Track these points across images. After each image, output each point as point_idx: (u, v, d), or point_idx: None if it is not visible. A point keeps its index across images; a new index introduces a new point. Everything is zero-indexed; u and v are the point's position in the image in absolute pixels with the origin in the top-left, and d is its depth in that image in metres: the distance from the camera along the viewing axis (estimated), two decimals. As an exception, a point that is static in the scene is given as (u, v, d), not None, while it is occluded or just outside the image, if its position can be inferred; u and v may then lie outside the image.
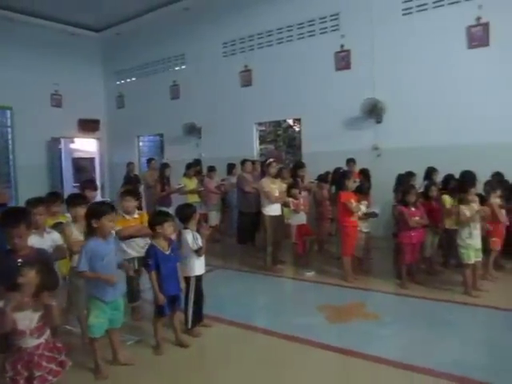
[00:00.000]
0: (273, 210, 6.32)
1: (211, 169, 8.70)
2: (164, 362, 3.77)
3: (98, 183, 13.29)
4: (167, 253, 3.86)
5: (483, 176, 6.05)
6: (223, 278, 6.37)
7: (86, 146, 13.69)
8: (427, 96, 8.05)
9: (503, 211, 5.62)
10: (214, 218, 8.43)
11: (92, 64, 13.64)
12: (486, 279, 5.53)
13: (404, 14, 8.37)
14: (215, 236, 8.40)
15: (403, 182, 6.52)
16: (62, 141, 12.66)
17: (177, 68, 12.10)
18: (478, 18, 7.59)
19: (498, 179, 6.21)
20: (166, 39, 12.04)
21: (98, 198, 11.78)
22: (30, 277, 2.59)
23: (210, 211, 8.39)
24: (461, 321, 4.44)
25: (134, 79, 13.30)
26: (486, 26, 7.54)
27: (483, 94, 7.52)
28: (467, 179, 5.85)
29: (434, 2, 8.06)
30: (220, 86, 10.99)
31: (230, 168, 8.76)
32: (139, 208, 4.88)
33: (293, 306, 5.14)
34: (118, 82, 13.72)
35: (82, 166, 13.34)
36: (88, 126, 13.29)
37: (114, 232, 3.76)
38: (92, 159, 13.86)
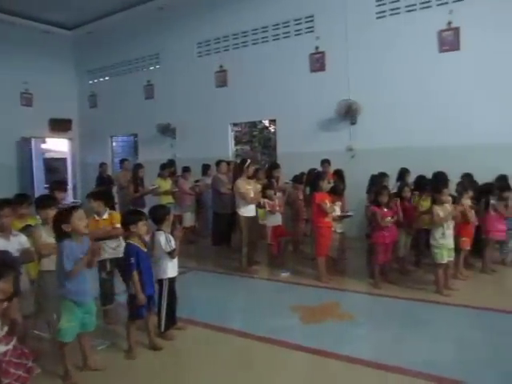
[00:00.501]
0: (248, 211, 6.29)
1: (186, 169, 8.62)
2: (136, 367, 3.69)
3: (70, 184, 13.06)
4: (146, 251, 3.85)
5: (453, 177, 6.20)
6: (198, 279, 6.31)
7: (57, 146, 13.38)
8: (401, 98, 8.18)
9: (473, 212, 5.74)
10: (189, 219, 8.36)
11: (64, 63, 13.35)
12: (457, 278, 5.63)
13: (378, 18, 8.48)
14: (190, 237, 8.33)
15: (376, 182, 6.60)
16: (33, 141, 12.34)
17: (151, 68, 11.96)
18: (449, 23, 7.76)
19: (468, 180, 6.35)
20: (140, 38, 11.88)
21: (70, 199, 11.61)
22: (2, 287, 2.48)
23: (184, 212, 8.31)
24: (433, 320, 4.50)
25: (107, 78, 13.08)
26: (456, 30, 7.71)
27: (454, 98, 7.69)
28: (440, 180, 5.98)
29: (406, 6, 8.20)
30: (195, 87, 10.91)
31: (205, 169, 8.70)
32: (112, 208, 4.78)
33: (267, 307, 5.11)
34: (90, 81, 13.47)
35: (53, 167, 13.03)
36: (60, 126, 13.00)
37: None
38: (64, 160, 13.56)
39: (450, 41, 7.78)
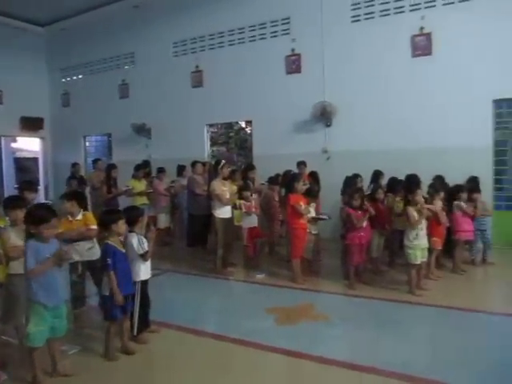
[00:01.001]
0: (224, 212, 6.26)
1: (161, 170, 8.52)
2: (108, 372, 3.60)
3: (42, 184, 12.74)
4: (124, 251, 3.79)
5: (426, 179, 6.32)
6: (172, 281, 6.24)
7: (29, 145, 13.06)
8: (375, 101, 8.29)
9: (444, 213, 5.85)
10: (164, 220, 8.26)
11: (36, 60, 13.01)
12: (429, 278, 5.73)
13: (353, 21, 8.58)
14: (164, 239, 8.24)
15: (350, 184, 6.66)
16: (3, 139, 12.02)
17: (126, 67, 11.79)
18: (422, 28, 7.90)
19: (439, 182, 6.47)
20: (115, 37, 11.70)
21: (41, 199, 11.32)
22: None
23: (159, 213, 8.21)
24: (406, 320, 4.55)
25: (80, 77, 12.82)
26: (428, 35, 7.86)
27: (426, 101, 7.84)
28: (412, 182, 6.08)
29: (380, 11, 8.32)
30: (170, 86, 10.81)
31: (180, 169, 8.62)
32: (85, 209, 4.67)
33: (242, 308, 5.08)
34: (63, 80, 13.18)
35: (24, 166, 12.71)
36: (31, 125, 12.67)
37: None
38: (35, 159, 13.25)
39: (422, 46, 7.93)
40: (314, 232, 6.08)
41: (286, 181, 6.41)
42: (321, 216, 6.14)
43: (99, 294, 3.83)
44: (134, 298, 3.96)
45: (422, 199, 5.31)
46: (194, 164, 7.76)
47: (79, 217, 4.40)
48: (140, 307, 4.01)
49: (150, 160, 10.09)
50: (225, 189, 6.28)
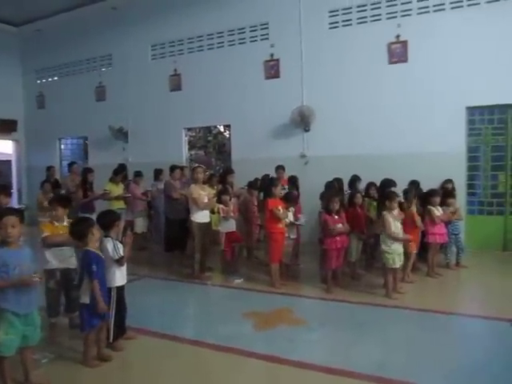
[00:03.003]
0: (201, 216, 6.22)
1: (137, 174, 8.42)
2: (83, 380, 3.52)
3: (15, 188, 12.44)
4: (103, 257, 3.74)
5: (401, 184, 6.43)
6: (149, 287, 6.15)
7: (1, 147, 12.72)
8: (352, 107, 8.39)
9: (419, 217, 5.94)
10: (141, 225, 8.17)
11: (10, 60, 12.72)
12: (405, 281, 5.80)
13: (330, 28, 8.68)
14: (141, 243, 8.15)
15: (330, 188, 6.70)
16: (-26, 142, 11.68)
17: (103, 69, 11.64)
18: (398, 36, 8.04)
19: (415, 187, 6.57)
20: (92, 38, 11.54)
21: (14, 203, 11.03)
22: None
23: (136, 218, 8.11)
24: (383, 323, 4.60)
25: (56, 78, 12.60)
26: (404, 43, 8.01)
27: (402, 107, 7.97)
28: (387, 186, 6.17)
29: (358, 19, 8.44)
30: (148, 90, 10.72)
31: (157, 173, 8.52)
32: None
33: (220, 314, 5.05)
34: (38, 81, 12.93)
35: (-4, 170, 12.39)
36: (4, 127, 12.37)
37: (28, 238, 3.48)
38: (8, 162, 12.94)
39: (398, 53, 8.07)
40: (292, 236, 6.10)
41: (264, 185, 6.41)
42: (297, 222, 6.16)
43: (78, 301, 3.72)
44: (109, 305, 3.88)
45: (396, 205, 5.37)
46: (172, 169, 7.71)
47: (65, 223, 4.25)
48: (116, 313, 3.94)
49: (127, 164, 9.99)
50: (203, 193, 6.25)
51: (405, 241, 5.40)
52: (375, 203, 6.22)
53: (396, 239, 5.24)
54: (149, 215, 8.48)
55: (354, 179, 7.12)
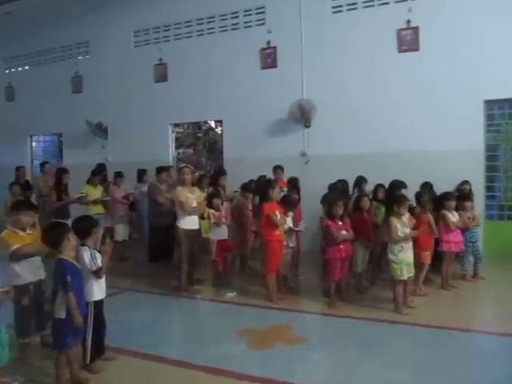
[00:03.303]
0: (189, 222, 6.24)
1: (118, 175, 8.44)
2: (55, 406, 3.53)
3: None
4: (80, 267, 3.75)
5: (413, 185, 6.48)
6: (131, 301, 6.16)
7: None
8: (359, 100, 8.43)
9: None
10: (121, 232, 8.18)
11: (-26, 47, 12.72)
12: (416, 295, 5.84)
13: (334, 12, 8.73)
14: (123, 253, 8.16)
15: (333, 190, 6.73)
16: None
17: (80, 57, 11.68)
18: (408, 22, 8.10)
19: (427, 189, 6.61)
20: (67, 23, 11.53)
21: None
22: None
23: (116, 224, 8.13)
24: (391, 341, 4.62)
25: (27, 68, 12.62)
26: (415, 29, 8.06)
27: (413, 101, 8.02)
28: (397, 189, 6.20)
29: (364, 2, 8.49)
30: (131, 81, 10.73)
31: (141, 174, 8.55)
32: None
33: (211, 332, 5.06)
34: (7, 71, 12.95)
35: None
36: (-32, 122, 12.35)
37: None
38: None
39: (409, 40, 8.13)
40: (291, 245, 6.12)
41: (260, 187, 6.43)
42: (296, 228, 6.19)
43: (40, 319, 3.71)
44: (86, 322, 3.88)
45: (406, 211, 5.40)
46: (159, 170, 7.74)
47: (29, 231, 4.15)
48: (94, 331, 3.94)
49: (107, 163, 10.00)
50: (191, 196, 6.26)
51: (412, 238, 5.40)
52: (384, 208, 6.25)
53: (402, 240, 5.25)
54: (131, 221, 8.49)
55: (360, 181, 7.16)
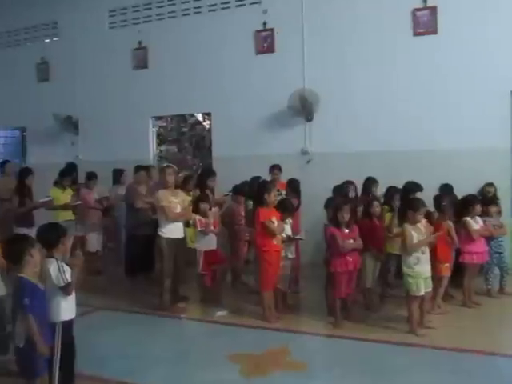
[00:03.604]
0: (172, 230, 6.24)
1: (91, 176, 8.41)
2: None
3: None
4: (43, 288, 3.70)
5: (430, 188, 6.51)
6: (105, 322, 6.15)
7: None
8: (368, 90, 8.49)
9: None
10: (95, 242, 8.17)
11: None
12: (435, 313, 5.85)
13: (340, -11, 8.77)
14: (96, 266, 8.15)
15: (339, 193, 6.75)
16: None
17: (46, 40, 11.68)
18: (425, 1, 8.14)
19: (447, 192, 6.64)
20: (32, 1, 11.47)
21: None
22: None
23: (88, 233, 8.11)
24: (406, 366, 4.60)
25: (-17, 52, 12.58)
26: (433, 9, 8.12)
27: (431, 92, 8.06)
28: (412, 192, 6.22)
29: (377, -23, 8.52)
30: (105, 67, 10.74)
31: (117, 175, 8.56)
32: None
33: (198, 356, 5.06)
34: (-40, 56, 12.90)
35: None
36: None
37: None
38: None
39: (425, 22, 8.19)
40: (290, 256, 6.12)
41: (255, 190, 6.44)
42: (296, 237, 6.19)
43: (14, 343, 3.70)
44: (52, 347, 3.86)
45: (422, 217, 5.41)
46: (136, 170, 7.73)
47: None
48: (62, 356, 3.92)
49: (77, 163, 10.00)
50: (175, 200, 6.26)
51: (429, 245, 5.42)
52: (388, 212, 6.28)
53: (418, 249, 5.27)
54: (105, 229, 8.47)
55: (370, 182, 7.19)
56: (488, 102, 7.70)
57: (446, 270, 5.92)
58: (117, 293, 7.26)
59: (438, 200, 6.17)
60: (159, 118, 11.18)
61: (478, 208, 6.32)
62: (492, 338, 5.34)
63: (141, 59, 10.49)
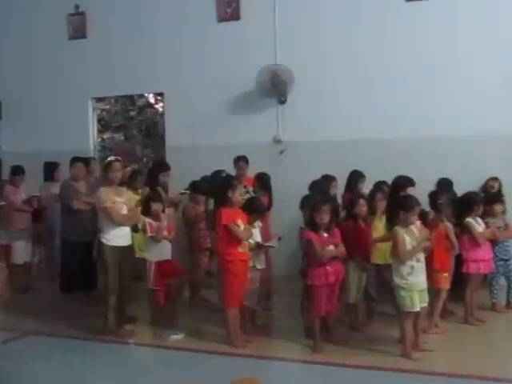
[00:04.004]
0: (117, 236, 6.18)
1: (17, 171, 8.31)
2: None
3: None
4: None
5: (421, 184, 6.57)
6: (36, 349, 6.05)
7: None
8: (353, 67, 8.54)
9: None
10: (22, 251, 8.03)
11: None
12: (431, 333, 5.91)
13: None
14: (24, 281, 8.01)
15: (318, 190, 6.78)
16: None
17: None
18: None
19: (446, 189, 6.72)
20: None
21: None
22: None
23: (14, 241, 7.99)
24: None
25: None
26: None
27: (425, 68, 8.15)
28: (403, 188, 6.28)
29: None
30: (34, 38, 10.62)
31: (49, 170, 8.47)
32: None
33: (149, 389, 5.05)
34: None
35: None
36: None
37: None
38: None
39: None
40: (259, 267, 6.13)
41: (216, 187, 6.43)
42: (267, 243, 6.20)
43: None
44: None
45: (416, 219, 5.47)
46: (73, 163, 7.65)
47: None
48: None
49: (0, 154, 9.89)
50: (119, 200, 6.22)
51: (424, 251, 5.48)
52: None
53: (412, 256, 5.31)
54: (36, 236, 8.38)
55: (355, 177, 7.25)
56: (492, 80, 7.83)
57: (445, 280, 5.98)
58: (50, 314, 7.16)
59: (433, 197, 6.20)
60: (101, 100, 11.10)
61: (481, 207, 6.36)
62: (498, 361, 5.42)
63: (78, 27, 10.41)
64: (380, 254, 6.07)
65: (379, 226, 6.15)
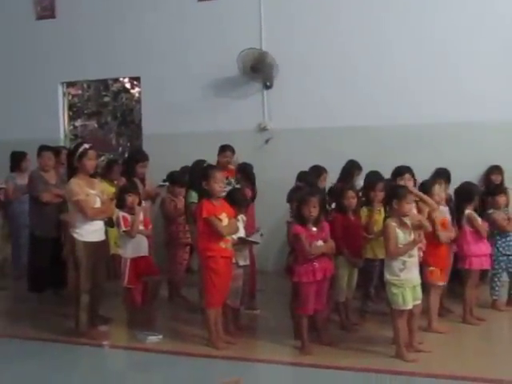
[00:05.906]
0: (90, 232, 6.14)
1: (-19, 162, 8.30)
2: None
3: None
4: None
5: (418, 173, 6.59)
6: (2, 353, 6.02)
7: None
8: (345, 47, 8.56)
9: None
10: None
11: None
12: (428, 331, 5.94)
13: None
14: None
15: (306, 182, 6.78)
16: None
17: None
18: None
19: (444, 180, 6.72)
20: None
21: None
22: None
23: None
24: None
25: None
26: None
27: (422, 52, 8.19)
28: (398, 176, 6.31)
29: None
30: (-1, 17, 10.55)
31: (16, 160, 8.44)
32: None
33: (124, 395, 5.06)
34: None
35: None
36: None
37: None
38: None
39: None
40: (242, 263, 6.13)
41: (197, 178, 6.42)
42: (251, 238, 6.19)
43: None
44: None
45: (412, 207, 5.49)
46: (40, 151, 7.61)
47: None
48: None
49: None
50: (92, 192, 6.18)
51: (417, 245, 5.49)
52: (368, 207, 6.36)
53: (404, 251, 5.32)
54: (2, 231, 8.36)
55: (351, 167, 7.26)
56: (495, 61, 7.87)
57: (442, 277, 5.99)
58: (17, 315, 7.23)
59: (424, 185, 6.22)
60: (72, 84, 11.04)
61: (477, 199, 6.41)
62: (498, 361, 5.45)
63: (46, 6, 10.35)
64: (381, 248, 6.02)
65: (379, 219, 6.12)
